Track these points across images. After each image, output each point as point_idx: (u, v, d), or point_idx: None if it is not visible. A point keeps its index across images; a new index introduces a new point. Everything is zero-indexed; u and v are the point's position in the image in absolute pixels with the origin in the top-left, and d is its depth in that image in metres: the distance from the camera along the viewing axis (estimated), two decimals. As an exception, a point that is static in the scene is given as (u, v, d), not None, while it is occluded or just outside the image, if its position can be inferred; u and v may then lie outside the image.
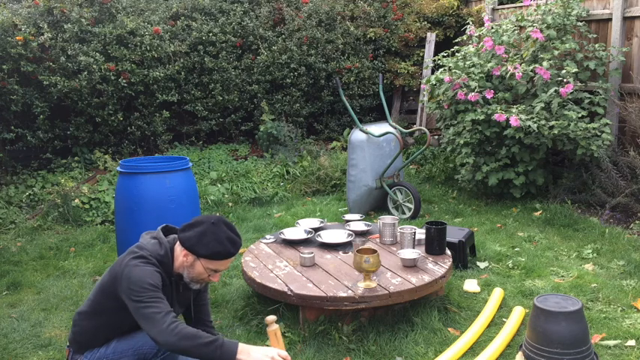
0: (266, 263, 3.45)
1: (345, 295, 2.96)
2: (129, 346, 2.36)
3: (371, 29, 7.84)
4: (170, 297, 2.37)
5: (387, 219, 3.76)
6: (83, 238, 5.08)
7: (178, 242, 2.33)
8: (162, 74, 6.88)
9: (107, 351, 2.35)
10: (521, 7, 6.22)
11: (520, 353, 2.72)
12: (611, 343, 2.93)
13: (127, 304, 2.21)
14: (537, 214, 5.07)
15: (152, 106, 7.09)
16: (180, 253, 2.31)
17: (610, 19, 5.32)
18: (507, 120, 4.91)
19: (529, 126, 4.81)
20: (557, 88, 4.92)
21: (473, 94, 5.18)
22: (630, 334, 3.00)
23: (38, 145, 6.64)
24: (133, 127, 7.01)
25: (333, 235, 3.81)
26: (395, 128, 5.47)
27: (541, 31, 5.23)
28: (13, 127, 6.47)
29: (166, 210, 3.56)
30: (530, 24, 5.41)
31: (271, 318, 2.26)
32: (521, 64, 5.18)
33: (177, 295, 2.43)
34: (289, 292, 3.03)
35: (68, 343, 2.49)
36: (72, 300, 3.78)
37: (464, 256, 3.98)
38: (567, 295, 2.75)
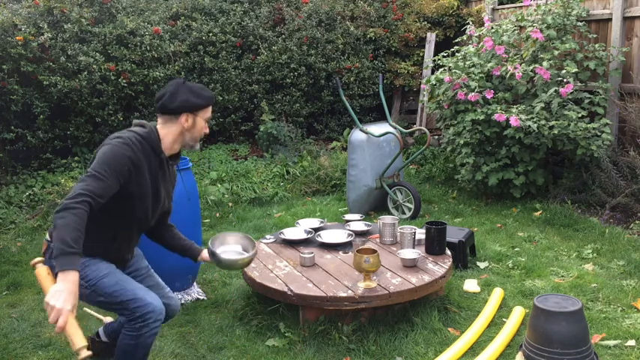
0: (266, 263, 3.45)
1: (345, 295, 2.96)
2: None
3: (371, 29, 7.84)
4: (156, 177, 2.43)
5: (387, 219, 3.76)
6: (83, 238, 5.07)
7: (169, 117, 2.42)
8: (162, 74, 6.88)
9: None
10: (521, 7, 6.22)
11: (520, 353, 2.72)
12: (611, 343, 2.93)
13: None
14: (537, 214, 5.07)
15: (152, 106, 7.09)
16: (177, 125, 2.43)
17: (610, 19, 5.32)
18: (507, 120, 4.91)
19: (529, 126, 4.81)
20: (557, 88, 4.92)
21: (473, 94, 5.18)
22: (630, 334, 3.00)
23: (38, 145, 6.64)
24: (133, 127, 7.00)
25: (333, 235, 3.81)
26: (395, 128, 5.47)
27: (541, 31, 5.23)
28: (13, 127, 6.47)
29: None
30: (530, 24, 5.41)
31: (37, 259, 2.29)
32: (521, 64, 5.18)
33: (167, 174, 2.52)
34: (289, 292, 3.03)
35: (47, 236, 2.45)
36: (72, 300, 3.77)
37: (464, 256, 3.98)
38: (567, 295, 2.75)
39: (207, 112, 2.50)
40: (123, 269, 2.59)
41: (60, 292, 1.96)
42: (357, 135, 5.27)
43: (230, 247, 2.74)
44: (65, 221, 2.07)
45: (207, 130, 2.53)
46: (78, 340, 1.98)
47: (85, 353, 1.97)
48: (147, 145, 2.38)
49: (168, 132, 2.45)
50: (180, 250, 2.79)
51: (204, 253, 2.73)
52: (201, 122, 2.48)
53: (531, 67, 5.08)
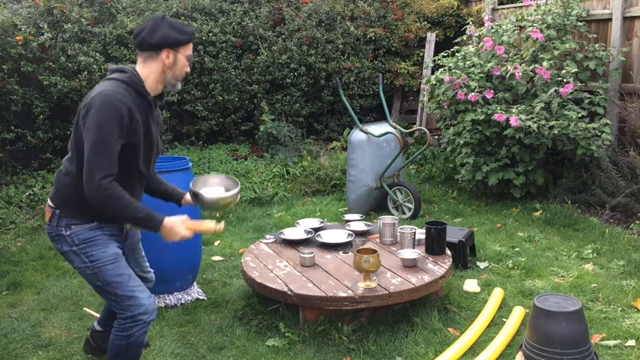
0: (266, 263, 3.45)
1: (345, 295, 2.96)
2: None
3: (371, 29, 7.84)
4: (147, 120, 2.38)
5: (387, 219, 3.75)
6: (83, 238, 5.07)
7: (149, 54, 2.36)
8: (162, 74, 6.87)
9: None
10: (521, 7, 6.22)
11: (520, 353, 2.72)
12: (611, 343, 2.93)
13: (83, 130, 2.22)
14: (537, 214, 5.07)
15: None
16: (158, 62, 2.36)
17: (610, 19, 5.32)
18: (507, 120, 4.91)
19: (529, 126, 4.81)
20: (557, 88, 4.92)
21: (473, 94, 5.18)
22: (630, 334, 3.00)
23: (38, 145, 6.63)
24: (133, 127, 7.00)
25: (333, 235, 3.81)
26: (395, 128, 5.47)
27: (541, 31, 5.23)
28: (13, 127, 6.46)
29: (166, 210, 3.55)
30: (530, 24, 5.41)
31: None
32: (521, 64, 5.18)
33: (155, 115, 2.47)
34: (289, 292, 3.03)
35: (50, 203, 2.41)
36: (72, 300, 3.77)
37: (464, 256, 3.98)
38: (567, 295, 2.75)
39: (189, 49, 2.40)
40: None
41: (168, 234, 2.36)
42: (357, 135, 5.26)
43: (212, 188, 2.71)
44: (117, 207, 2.22)
45: (188, 69, 2.44)
46: (207, 227, 2.44)
47: (219, 225, 2.42)
48: (132, 91, 2.31)
49: (149, 71, 2.36)
50: (162, 194, 2.75)
51: (187, 196, 2.71)
52: (183, 59, 2.39)
53: (531, 67, 5.08)
